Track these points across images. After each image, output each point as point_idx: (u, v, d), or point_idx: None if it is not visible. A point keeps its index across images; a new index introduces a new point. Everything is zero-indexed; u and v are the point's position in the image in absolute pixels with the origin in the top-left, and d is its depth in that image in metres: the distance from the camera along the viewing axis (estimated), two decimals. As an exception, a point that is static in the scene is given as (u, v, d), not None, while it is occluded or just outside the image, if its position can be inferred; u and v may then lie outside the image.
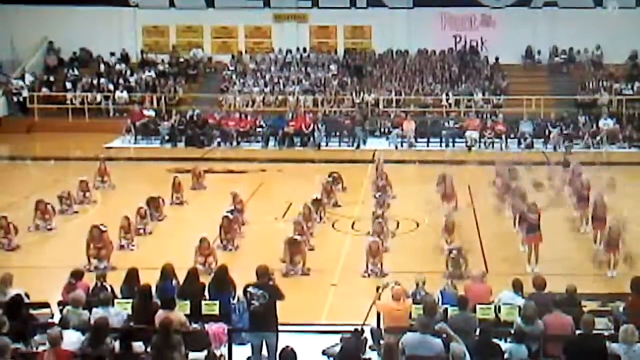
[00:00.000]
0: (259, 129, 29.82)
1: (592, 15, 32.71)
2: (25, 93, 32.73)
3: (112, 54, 34.78)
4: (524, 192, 17.29)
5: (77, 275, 12.09)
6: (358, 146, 28.81)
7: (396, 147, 28.24)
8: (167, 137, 29.46)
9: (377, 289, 11.54)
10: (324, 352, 11.15)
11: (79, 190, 20.13)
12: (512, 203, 17.54)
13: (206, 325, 11.16)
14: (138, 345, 9.87)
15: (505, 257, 16.22)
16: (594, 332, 9.80)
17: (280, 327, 10.60)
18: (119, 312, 10.81)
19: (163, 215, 18.82)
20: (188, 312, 11.19)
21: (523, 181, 18.65)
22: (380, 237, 15.98)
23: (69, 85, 33.17)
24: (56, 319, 10.88)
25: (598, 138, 28.43)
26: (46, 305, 11.37)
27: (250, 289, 10.69)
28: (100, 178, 21.77)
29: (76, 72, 33.95)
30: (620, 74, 32.52)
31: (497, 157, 23.26)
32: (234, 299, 11.97)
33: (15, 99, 32.85)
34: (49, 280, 13.73)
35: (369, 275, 14.94)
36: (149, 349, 9.73)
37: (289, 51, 34.76)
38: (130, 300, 11.21)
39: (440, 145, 28.36)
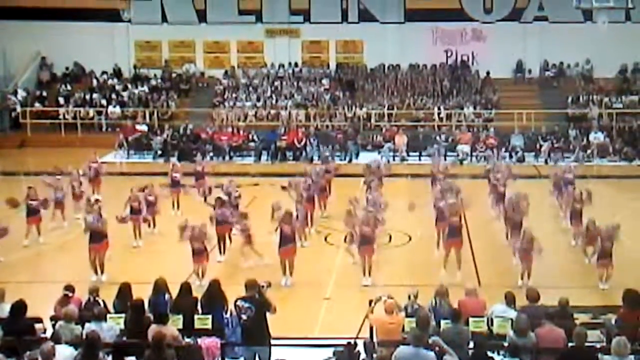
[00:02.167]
0: (251, 144, 29.94)
1: (582, 29, 32.92)
2: (18, 108, 32.75)
3: (105, 72, 34.86)
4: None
5: (70, 289, 12.06)
6: (350, 160, 28.92)
7: (388, 161, 28.30)
8: (159, 152, 29.53)
9: (370, 302, 11.56)
10: (317, 366, 11.16)
11: (70, 182, 20.31)
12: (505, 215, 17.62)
13: (199, 340, 11.14)
14: (131, 360, 9.87)
15: (498, 269, 16.26)
16: (586, 344, 9.84)
17: (273, 341, 10.59)
18: (112, 326, 10.78)
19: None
20: (181, 326, 11.18)
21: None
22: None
23: (61, 100, 33.26)
24: (48, 334, 10.86)
25: (589, 152, 28.61)
26: (39, 320, 11.34)
27: (238, 302, 10.70)
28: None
29: (69, 87, 34.03)
30: (610, 87, 32.76)
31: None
32: (226, 313, 11.96)
33: (12, 114, 32.88)
34: (41, 295, 13.69)
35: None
36: (141, 364, 9.72)
37: (281, 66, 34.90)
38: (123, 315, 11.19)
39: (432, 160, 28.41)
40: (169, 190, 20.85)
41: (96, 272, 15.70)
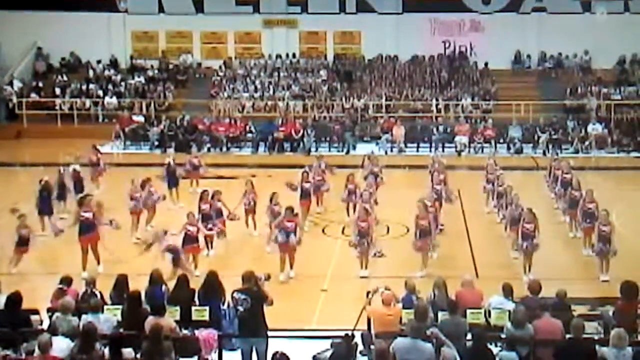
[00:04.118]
0: (248, 135, 29.90)
1: (580, 20, 32.90)
2: (14, 99, 32.65)
3: (99, 61, 34.76)
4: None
5: (66, 281, 12.03)
6: (348, 151, 28.90)
7: (386, 153, 28.29)
8: (156, 143, 29.47)
9: (367, 294, 11.53)
10: (314, 358, 11.15)
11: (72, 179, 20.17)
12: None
13: (196, 331, 11.13)
14: (128, 352, 9.83)
15: (495, 261, 16.25)
16: (584, 336, 9.82)
17: (270, 333, 10.57)
18: (109, 318, 10.76)
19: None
20: (178, 318, 11.15)
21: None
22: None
23: (58, 91, 33.14)
24: (45, 325, 10.83)
25: (587, 143, 28.60)
26: (35, 312, 11.31)
27: (235, 294, 10.68)
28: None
29: (65, 78, 33.92)
30: (608, 78, 32.73)
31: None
32: (224, 304, 11.94)
33: (8, 104, 32.79)
34: (38, 287, 13.66)
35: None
36: (139, 355, 9.69)
37: (278, 56, 34.81)
38: (120, 307, 11.17)
39: (430, 151, 28.34)
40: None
41: (84, 268, 15.26)
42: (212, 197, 17.10)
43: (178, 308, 11.34)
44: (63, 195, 19.57)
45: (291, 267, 15.39)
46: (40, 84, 33.85)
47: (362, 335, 11.22)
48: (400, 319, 10.90)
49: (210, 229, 16.53)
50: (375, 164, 20.92)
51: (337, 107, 31.55)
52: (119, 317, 10.95)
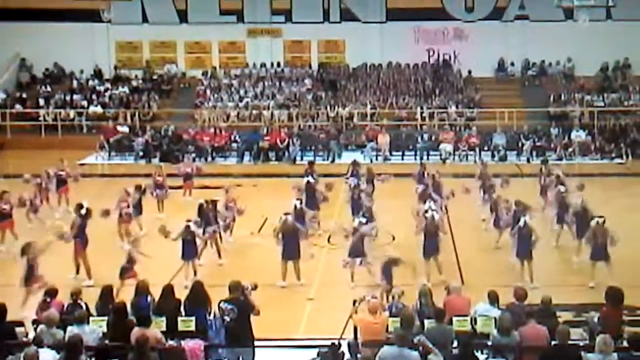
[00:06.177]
0: (233, 144, 29.87)
1: (563, 28, 33.12)
2: (-3, 110, 32.48)
3: (82, 71, 34.65)
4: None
5: (51, 293, 11.95)
6: (333, 160, 28.92)
7: (371, 161, 28.31)
8: (141, 153, 29.38)
9: (354, 302, 11.53)
10: (301, 367, 11.13)
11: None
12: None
13: (182, 342, 11.06)
14: (114, 363, 9.79)
15: (481, 268, 16.28)
16: (570, 342, 9.85)
17: (257, 342, 10.55)
18: (94, 329, 10.69)
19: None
20: (164, 328, 11.09)
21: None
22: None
23: (41, 101, 32.99)
24: (30, 337, 10.74)
25: (570, 150, 28.76)
26: (20, 324, 11.23)
27: (221, 304, 10.66)
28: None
29: (49, 89, 33.79)
30: (591, 86, 32.96)
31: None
32: (210, 314, 11.90)
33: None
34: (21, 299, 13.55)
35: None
36: (125, 367, 9.65)
37: (263, 66, 34.83)
38: (105, 318, 11.10)
39: (415, 159, 28.48)
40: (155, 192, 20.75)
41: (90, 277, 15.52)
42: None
43: (164, 319, 11.27)
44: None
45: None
46: (24, 95, 33.71)
47: (348, 344, 11.20)
48: (387, 327, 10.90)
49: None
50: (372, 175, 20.97)
51: (322, 115, 31.59)
52: (105, 329, 10.87)
